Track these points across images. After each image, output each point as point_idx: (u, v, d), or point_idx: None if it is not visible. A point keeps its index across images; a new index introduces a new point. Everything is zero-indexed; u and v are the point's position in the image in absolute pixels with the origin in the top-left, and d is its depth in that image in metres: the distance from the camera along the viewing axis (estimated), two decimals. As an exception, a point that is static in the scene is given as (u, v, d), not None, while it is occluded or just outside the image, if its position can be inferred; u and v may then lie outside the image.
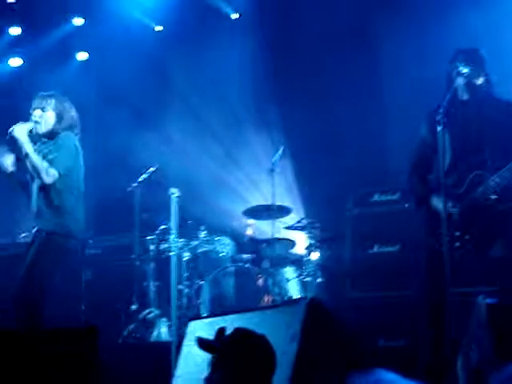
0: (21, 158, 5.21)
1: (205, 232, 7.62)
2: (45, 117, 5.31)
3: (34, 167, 5.10)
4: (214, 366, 2.95)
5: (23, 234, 8.56)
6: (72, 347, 3.64)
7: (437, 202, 4.39)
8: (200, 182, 8.66)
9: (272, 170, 7.00)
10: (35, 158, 5.10)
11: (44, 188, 5.20)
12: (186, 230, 7.57)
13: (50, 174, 5.13)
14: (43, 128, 5.31)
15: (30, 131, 5.21)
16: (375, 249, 6.53)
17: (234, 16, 9.25)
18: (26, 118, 5.41)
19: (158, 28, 9.50)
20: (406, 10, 7.77)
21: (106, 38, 9.29)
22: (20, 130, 5.11)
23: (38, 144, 5.30)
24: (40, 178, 5.13)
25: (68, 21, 9.40)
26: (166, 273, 6.74)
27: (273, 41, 8.84)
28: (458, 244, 4.40)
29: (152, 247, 7.49)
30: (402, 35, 7.74)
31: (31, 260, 5.13)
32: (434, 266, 4.32)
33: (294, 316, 3.66)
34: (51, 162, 5.16)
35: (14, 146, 5.17)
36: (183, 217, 7.08)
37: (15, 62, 9.53)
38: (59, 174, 5.17)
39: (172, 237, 6.44)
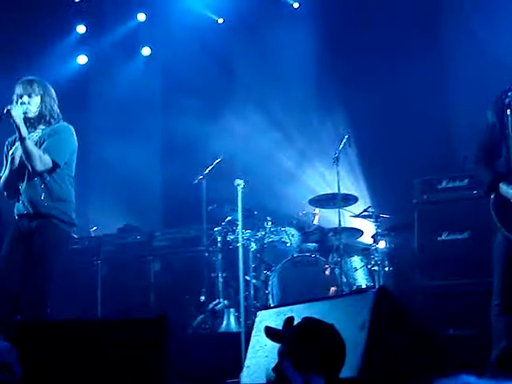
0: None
1: (271, 222, 7.63)
2: (32, 102, 5.13)
3: (28, 153, 4.95)
4: (283, 355, 2.95)
5: (94, 228, 8.78)
6: (143, 337, 3.72)
7: (506, 189, 4.27)
8: (265, 172, 8.68)
9: (336, 159, 6.95)
10: (30, 144, 4.97)
11: (44, 178, 5.05)
12: (253, 221, 7.61)
13: (43, 162, 5.00)
14: (32, 113, 5.13)
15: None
16: (444, 236, 6.43)
17: (296, 5, 9.24)
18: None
19: (220, 20, 9.57)
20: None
21: (169, 32, 9.42)
22: (17, 112, 4.96)
23: (29, 130, 5.10)
24: (32, 164, 4.97)
25: (132, 17, 9.58)
26: (234, 264, 6.80)
27: (334, 27, 8.80)
28: None
29: (219, 238, 7.55)
30: (467, 16, 7.60)
31: (40, 250, 4.98)
32: (507, 255, 4.21)
33: (363, 305, 3.63)
34: (47, 151, 5.03)
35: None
36: (249, 208, 7.14)
37: (83, 59, 9.75)
38: (57, 164, 5.06)
39: (238, 228, 6.49)
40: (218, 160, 7.64)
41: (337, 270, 7.02)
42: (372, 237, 7.41)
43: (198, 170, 7.69)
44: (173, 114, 9.14)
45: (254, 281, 7.32)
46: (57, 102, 5.26)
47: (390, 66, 8.17)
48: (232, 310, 7.15)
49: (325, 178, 8.53)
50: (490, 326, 4.65)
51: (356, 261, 7.40)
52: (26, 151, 4.95)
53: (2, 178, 5.21)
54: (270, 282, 7.13)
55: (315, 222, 8.19)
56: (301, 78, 8.96)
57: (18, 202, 5.12)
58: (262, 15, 9.08)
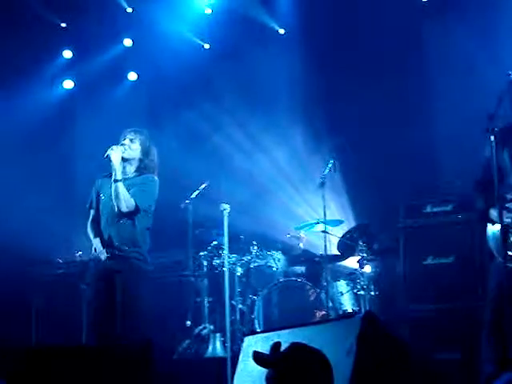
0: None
1: (257, 247, 7.64)
2: (132, 146, 5.75)
3: (118, 194, 5.50)
4: (271, 380, 2.94)
5: (79, 253, 8.74)
6: (128, 363, 3.70)
7: (495, 214, 4.30)
8: (251, 196, 8.69)
9: (322, 184, 6.99)
10: (121, 187, 5.52)
11: (126, 223, 5.62)
12: (238, 246, 7.61)
13: (128, 205, 5.54)
14: (128, 155, 5.71)
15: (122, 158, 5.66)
16: (429, 260, 6.48)
17: (281, 31, 9.33)
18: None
19: (206, 46, 9.64)
20: (455, 15, 7.76)
21: (155, 58, 9.46)
22: (116, 155, 5.56)
23: (124, 171, 5.70)
24: (119, 204, 5.52)
25: (118, 42, 9.62)
26: (220, 288, 6.79)
27: (319, 53, 8.87)
28: None
29: (205, 263, 7.54)
30: (450, 40, 7.71)
31: (123, 289, 5.55)
32: (498, 281, 4.24)
33: (349, 330, 3.64)
34: (134, 196, 5.59)
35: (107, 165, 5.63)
36: (235, 232, 7.14)
37: (68, 84, 9.78)
38: (139, 209, 5.61)
39: (224, 252, 6.50)
40: (204, 185, 7.66)
41: (323, 295, 7.02)
42: (358, 261, 7.42)
43: (184, 194, 7.70)
44: (159, 139, 9.12)
45: (240, 305, 7.32)
46: (155, 158, 5.91)
47: (375, 91, 8.24)
48: (218, 334, 7.13)
49: (310, 203, 8.55)
50: (473, 349, 4.67)
51: (342, 285, 7.41)
52: (116, 191, 5.52)
53: (90, 218, 5.81)
54: (255, 307, 7.11)
55: (301, 245, 8.20)
56: (286, 104, 9.01)
57: (100, 243, 5.67)
58: (248, 41, 9.14)
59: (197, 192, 7.61)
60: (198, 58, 9.45)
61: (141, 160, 5.79)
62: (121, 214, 5.58)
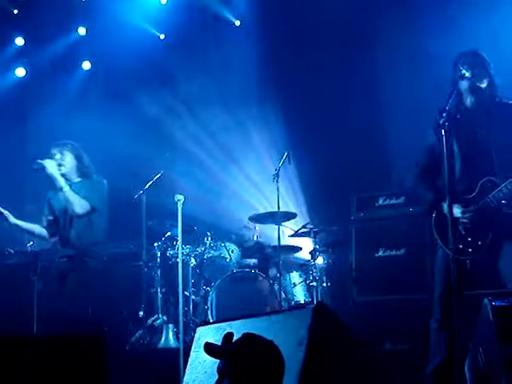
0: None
1: (210, 238, 7.65)
2: (65, 158, 5.97)
3: (68, 199, 5.78)
4: (223, 371, 2.96)
5: (30, 243, 8.62)
6: (80, 353, 3.67)
7: (447, 208, 4.38)
8: (205, 188, 8.68)
9: (276, 176, 7.02)
10: (68, 192, 5.77)
11: (81, 223, 5.87)
12: (192, 237, 7.61)
13: (82, 206, 5.81)
14: (65, 169, 5.95)
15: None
16: (380, 253, 6.55)
17: (237, 23, 9.32)
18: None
19: (162, 36, 9.58)
20: (403, 9, 7.85)
21: (110, 47, 9.36)
22: (51, 166, 5.78)
23: (69, 183, 5.90)
24: (72, 208, 5.79)
25: (72, 30, 9.49)
26: (173, 279, 6.78)
27: (274, 46, 8.89)
28: (469, 249, 4.41)
29: (159, 254, 7.53)
30: (398, 34, 7.81)
31: (76, 285, 5.85)
32: (448, 270, 4.31)
33: (301, 321, 3.67)
34: (86, 198, 5.85)
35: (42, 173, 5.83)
36: (189, 223, 7.13)
37: (21, 71, 9.62)
38: (93, 208, 5.85)
39: (178, 243, 6.49)
40: (159, 175, 7.61)
41: (276, 286, 7.06)
42: (310, 253, 7.48)
43: (138, 184, 7.65)
44: (113, 129, 9.07)
45: (193, 296, 7.33)
46: (87, 159, 6.14)
47: (329, 83, 8.28)
48: (171, 325, 7.13)
49: (265, 194, 8.59)
50: (422, 341, 4.75)
51: (295, 276, 7.47)
52: (65, 198, 5.79)
53: (45, 224, 6.12)
54: (209, 298, 7.13)
55: (255, 237, 8.24)
56: (241, 94, 9.02)
57: (59, 245, 6.01)
58: (203, 32, 9.13)
59: (151, 182, 7.56)
60: (152, 48, 9.39)
61: (78, 167, 6.04)
62: (77, 217, 5.83)
